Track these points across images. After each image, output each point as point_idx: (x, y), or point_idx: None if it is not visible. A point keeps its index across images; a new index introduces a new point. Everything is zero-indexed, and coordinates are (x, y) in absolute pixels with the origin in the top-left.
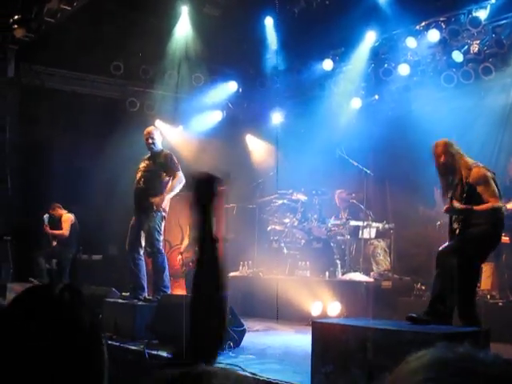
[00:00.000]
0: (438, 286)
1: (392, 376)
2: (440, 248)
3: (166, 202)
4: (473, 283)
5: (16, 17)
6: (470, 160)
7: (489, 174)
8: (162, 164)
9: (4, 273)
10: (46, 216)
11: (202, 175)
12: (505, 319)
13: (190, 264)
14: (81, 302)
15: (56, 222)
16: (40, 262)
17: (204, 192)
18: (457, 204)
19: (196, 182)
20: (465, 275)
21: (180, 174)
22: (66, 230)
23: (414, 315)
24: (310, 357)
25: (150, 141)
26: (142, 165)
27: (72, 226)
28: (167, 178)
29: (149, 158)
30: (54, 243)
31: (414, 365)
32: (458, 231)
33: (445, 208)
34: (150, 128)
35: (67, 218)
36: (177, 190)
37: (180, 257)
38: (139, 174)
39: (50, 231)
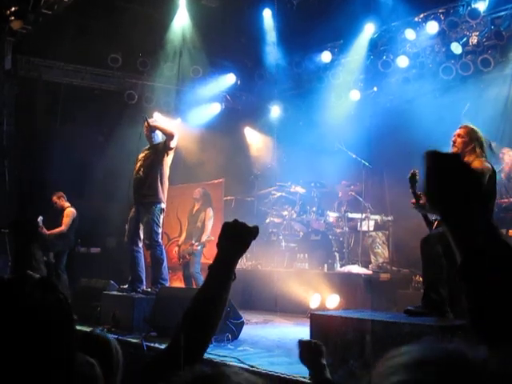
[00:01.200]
0: (429, 276)
1: (373, 371)
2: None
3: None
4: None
5: (13, 8)
6: (482, 154)
7: (485, 169)
8: (161, 149)
9: (1, 266)
10: (40, 218)
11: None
12: None
13: (187, 256)
14: (55, 299)
15: (58, 214)
16: (37, 254)
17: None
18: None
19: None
20: (451, 266)
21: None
22: (65, 226)
23: (410, 308)
24: None
25: (148, 134)
26: (141, 155)
27: (74, 220)
28: (166, 167)
29: (148, 149)
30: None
31: (393, 363)
32: (437, 222)
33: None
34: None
35: (70, 212)
36: (167, 129)
37: (176, 249)
38: (138, 164)
39: (48, 232)
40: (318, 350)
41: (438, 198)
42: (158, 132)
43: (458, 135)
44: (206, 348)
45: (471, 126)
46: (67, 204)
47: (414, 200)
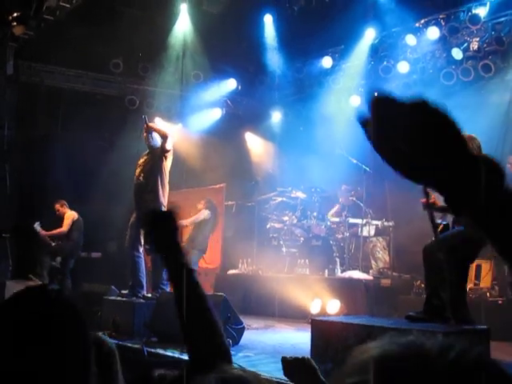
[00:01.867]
0: (430, 283)
1: (334, 374)
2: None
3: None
4: (461, 280)
5: (15, 14)
6: None
7: None
8: (159, 153)
9: (3, 270)
10: (37, 224)
11: None
12: (504, 317)
13: None
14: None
15: (59, 221)
16: (45, 260)
17: None
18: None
19: None
20: (452, 272)
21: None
22: (65, 226)
23: (412, 314)
24: (309, 354)
25: (147, 139)
26: (141, 160)
27: (75, 222)
28: (165, 171)
29: (147, 154)
30: (53, 244)
31: (353, 363)
32: (442, 227)
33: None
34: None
35: (69, 215)
36: (161, 129)
37: None
38: (138, 170)
39: (48, 233)
40: (309, 367)
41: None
42: (156, 136)
43: None
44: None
45: (468, 134)
46: (68, 210)
47: (424, 199)
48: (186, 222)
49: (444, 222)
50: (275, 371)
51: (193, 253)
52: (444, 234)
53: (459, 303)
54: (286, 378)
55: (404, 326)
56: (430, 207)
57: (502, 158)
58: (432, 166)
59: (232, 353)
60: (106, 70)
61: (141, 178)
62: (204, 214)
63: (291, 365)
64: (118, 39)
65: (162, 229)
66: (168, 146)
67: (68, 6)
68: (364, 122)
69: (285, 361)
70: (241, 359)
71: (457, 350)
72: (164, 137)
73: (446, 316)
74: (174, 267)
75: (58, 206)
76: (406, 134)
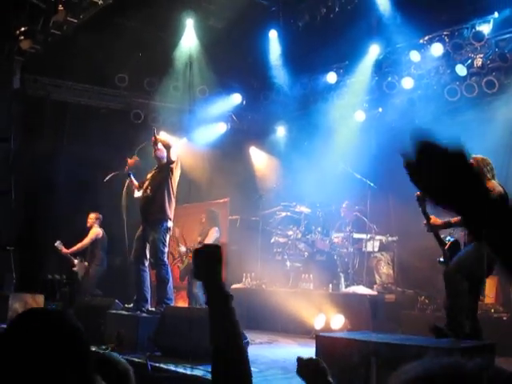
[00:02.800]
0: (455, 309)
1: None
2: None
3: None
4: (474, 297)
5: (22, 28)
6: (494, 177)
7: (497, 191)
8: (165, 166)
9: (7, 283)
10: (58, 242)
11: None
12: (509, 333)
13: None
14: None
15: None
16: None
17: None
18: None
19: None
20: (475, 300)
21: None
22: (86, 239)
23: (438, 325)
24: None
25: (157, 150)
26: (149, 175)
27: (99, 240)
28: (173, 184)
29: (156, 168)
30: (76, 261)
31: (396, 382)
32: (450, 243)
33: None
34: (159, 139)
35: (94, 232)
36: (165, 140)
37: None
38: (146, 183)
39: (68, 251)
40: (320, 368)
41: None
42: (163, 148)
43: None
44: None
45: (480, 156)
46: (97, 228)
47: (425, 221)
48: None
49: (452, 239)
50: None
51: None
52: (458, 256)
53: (471, 320)
54: None
55: (408, 342)
56: (432, 228)
57: (508, 175)
58: (459, 199)
59: None
60: (111, 84)
61: (148, 191)
62: (212, 233)
63: (305, 364)
64: (123, 53)
65: (206, 259)
66: (172, 156)
67: (75, 20)
68: (409, 162)
69: (299, 360)
70: None
71: (493, 369)
72: (167, 147)
73: (478, 335)
74: (212, 293)
75: (92, 218)
76: (444, 174)
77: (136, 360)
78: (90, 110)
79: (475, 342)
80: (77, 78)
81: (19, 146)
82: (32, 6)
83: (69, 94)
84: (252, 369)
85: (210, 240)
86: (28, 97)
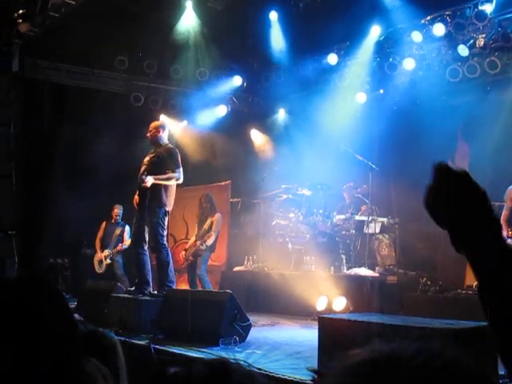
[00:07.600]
0: None
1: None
2: None
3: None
4: None
5: (20, 11)
6: None
7: None
8: (165, 157)
9: (9, 267)
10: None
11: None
12: None
13: (191, 258)
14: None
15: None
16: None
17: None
18: None
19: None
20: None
21: (178, 172)
22: (125, 241)
23: None
24: (317, 352)
25: (155, 135)
26: (146, 158)
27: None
28: (170, 172)
29: (153, 152)
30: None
31: (334, 369)
32: None
33: None
34: (156, 122)
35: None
36: (167, 182)
37: (183, 253)
38: (143, 168)
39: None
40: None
41: (446, 216)
42: (163, 133)
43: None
44: None
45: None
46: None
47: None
48: (212, 238)
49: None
50: (282, 368)
51: (204, 252)
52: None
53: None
54: (280, 373)
55: (411, 323)
56: None
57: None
58: (455, 218)
59: (238, 350)
60: (111, 67)
61: (144, 175)
62: (217, 219)
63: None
64: (123, 36)
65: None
66: (179, 178)
67: (73, 2)
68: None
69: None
70: (247, 356)
71: (427, 354)
72: (159, 127)
73: None
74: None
75: (118, 211)
76: (450, 196)
77: (139, 343)
78: (89, 93)
79: (477, 323)
80: (76, 61)
81: (19, 129)
82: None
83: (68, 77)
84: (255, 351)
85: (217, 227)
86: (27, 80)
